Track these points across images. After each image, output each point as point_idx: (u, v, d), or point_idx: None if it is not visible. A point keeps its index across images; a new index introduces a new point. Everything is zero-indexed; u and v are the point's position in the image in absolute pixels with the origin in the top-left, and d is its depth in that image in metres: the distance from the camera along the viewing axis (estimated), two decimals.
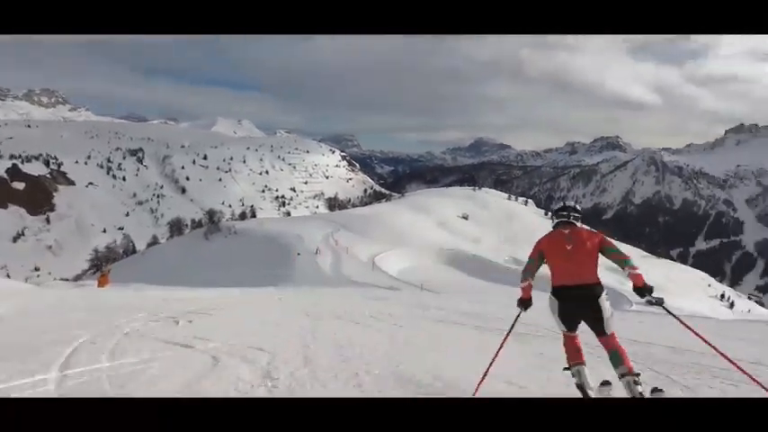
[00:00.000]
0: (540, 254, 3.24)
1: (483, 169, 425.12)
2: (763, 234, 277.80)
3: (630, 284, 3.11)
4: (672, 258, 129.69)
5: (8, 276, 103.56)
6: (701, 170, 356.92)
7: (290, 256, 36.42)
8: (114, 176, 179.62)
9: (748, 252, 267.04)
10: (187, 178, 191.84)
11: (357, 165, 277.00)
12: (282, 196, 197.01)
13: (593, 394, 2.95)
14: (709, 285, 66.59)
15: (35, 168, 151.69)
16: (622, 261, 3.13)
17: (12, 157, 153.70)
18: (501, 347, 3.34)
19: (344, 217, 70.22)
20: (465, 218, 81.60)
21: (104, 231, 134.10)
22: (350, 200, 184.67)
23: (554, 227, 3.38)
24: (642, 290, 3.01)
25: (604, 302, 3.08)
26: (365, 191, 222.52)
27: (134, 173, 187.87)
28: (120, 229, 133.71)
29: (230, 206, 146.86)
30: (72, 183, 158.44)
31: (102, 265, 54.07)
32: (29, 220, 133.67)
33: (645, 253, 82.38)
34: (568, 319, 3.13)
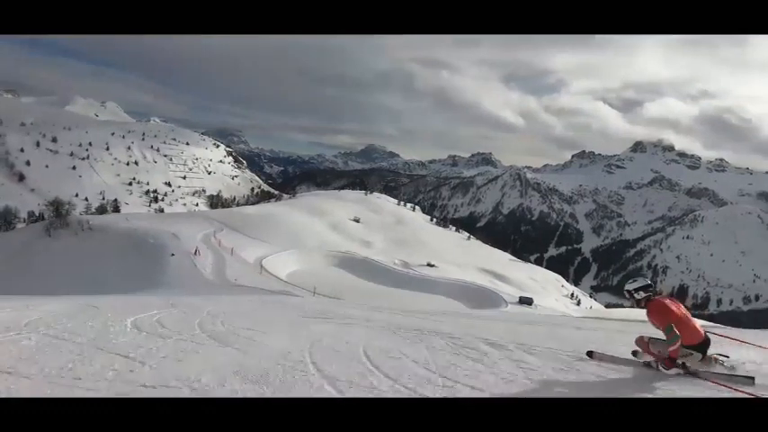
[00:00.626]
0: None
1: (373, 175, 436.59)
2: (596, 242, 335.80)
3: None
4: (531, 262, 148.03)
5: None
6: (554, 187, 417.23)
7: (162, 258, 31.40)
8: None
9: (586, 257, 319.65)
10: (27, 163, 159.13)
11: (244, 162, 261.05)
12: (155, 191, 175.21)
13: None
14: (563, 286, 76.93)
15: None
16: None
17: None
18: None
19: (229, 215, 64.68)
20: (357, 221, 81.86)
21: None
22: (235, 198, 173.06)
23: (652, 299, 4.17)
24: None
25: None
26: (252, 190, 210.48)
27: None
28: None
29: (86, 199, 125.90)
30: None
31: None
32: None
33: (512, 257, 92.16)
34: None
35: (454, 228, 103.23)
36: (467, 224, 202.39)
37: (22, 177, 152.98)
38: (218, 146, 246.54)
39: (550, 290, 68.33)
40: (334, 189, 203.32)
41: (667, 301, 4.00)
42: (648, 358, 4.11)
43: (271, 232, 57.49)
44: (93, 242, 35.93)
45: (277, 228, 60.80)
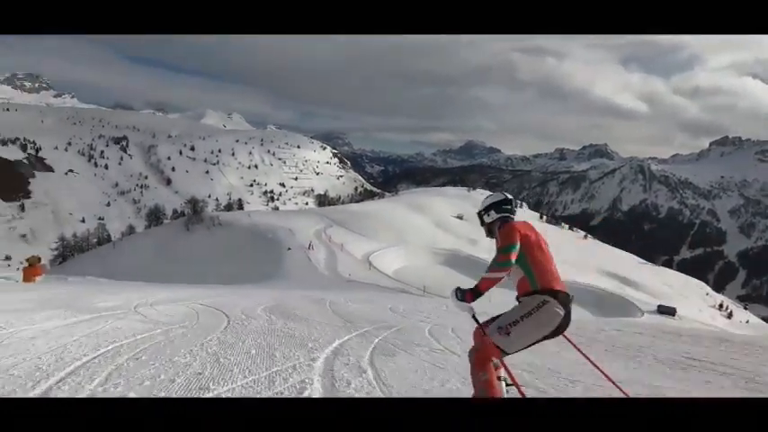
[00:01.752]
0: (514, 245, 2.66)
1: (473, 172, 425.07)
2: (744, 244, 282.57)
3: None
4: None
5: None
6: (687, 180, 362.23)
7: (279, 252, 33.25)
8: (96, 164, 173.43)
9: (730, 262, 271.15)
10: (173, 169, 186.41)
11: (348, 162, 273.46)
12: (271, 191, 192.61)
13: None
14: (707, 294, 65.37)
15: (10, 153, 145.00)
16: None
17: None
18: None
19: (337, 212, 67.21)
20: (460, 218, 79.31)
21: (83, 221, 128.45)
22: (340, 197, 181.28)
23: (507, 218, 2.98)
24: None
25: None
26: (356, 189, 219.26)
27: (117, 162, 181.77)
28: (100, 219, 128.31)
29: (217, 199, 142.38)
30: (50, 169, 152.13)
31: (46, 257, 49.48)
32: (1, 206, 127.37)
33: (641, 260, 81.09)
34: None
35: (567, 226, 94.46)
36: (579, 222, 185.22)
37: (169, 181, 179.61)
38: (324, 148, 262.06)
39: (692, 298, 58.46)
40: (435, 186, 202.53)
41: (522, 223, 2.83)
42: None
43: (376, 228, 58.17)
44: (222, 236, 39.86)
45: (381, 224, 61.39)
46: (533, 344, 2.57)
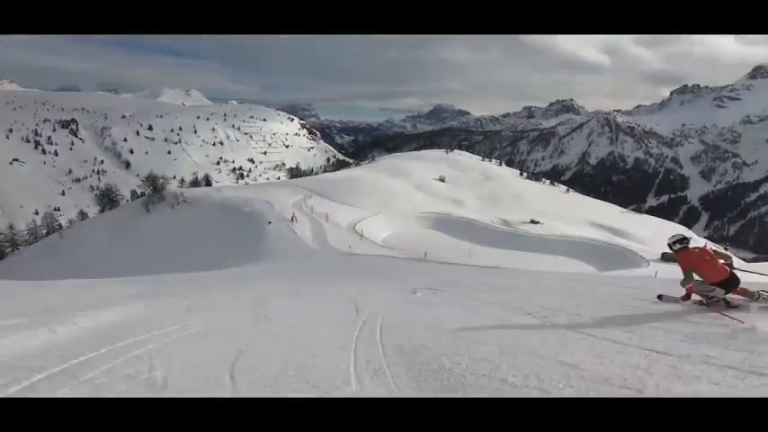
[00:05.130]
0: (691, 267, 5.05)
1: (444, 135, 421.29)
2: (705, 188, 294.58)
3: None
4: None
5: None
6: (651, 130, 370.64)
7: (259, 227, 29.57)
8: (44, 151, 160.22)
9: (693, 206, 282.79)
10: (131, 151, 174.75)
11: (318, 133, 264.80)
12: (240, 168, 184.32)
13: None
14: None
15: None
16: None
17: None
18: None
19: (314, 182, 63.17)
20: (442, 180, 76.77)
21: (36, 213, 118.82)
22: (313, 170, 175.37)
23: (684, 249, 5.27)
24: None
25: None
26: (328, 160, 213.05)
27: (68, 147, 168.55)
28: (57, 210, 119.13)
29: (182, 180, 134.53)
30: None
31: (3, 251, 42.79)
32: None
33: (623, 209, 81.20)
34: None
35: (548, 181, 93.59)
36: (551, 178, 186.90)
37: (128, 165, 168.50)
38: (291, 119, 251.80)
39: None
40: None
41: (690, 252, 5.14)
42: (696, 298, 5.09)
43: (357, 196, 54.82)
44: (190, 214, 35.52)
45: (362, 191, 58.05)
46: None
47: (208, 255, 23.05)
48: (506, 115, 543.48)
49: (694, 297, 5.04)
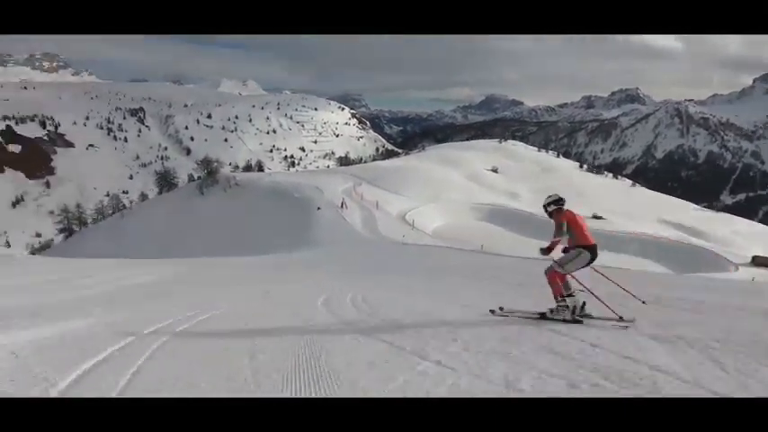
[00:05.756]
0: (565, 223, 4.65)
1: (496, 126, 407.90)
2: None
3: None
4: None
5: (8, 244, 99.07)
6: (728, 121, 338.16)
7: (308, 213, 29.00)
8: (115, 138, 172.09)
9: None
10: (191, 138, 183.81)
11: (368, 123, 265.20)
12: (291, 156, 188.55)
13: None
14: None
15: (30, 130, 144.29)
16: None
17: (5, 118, 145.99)
18: None
19: (365, 170, 62.44)
20: (495, 171, 73.47)
21: (107, 195, 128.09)
22: (362, 159, 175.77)
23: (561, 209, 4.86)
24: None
25: None
26: (377, 149, 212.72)
27: (136, 134, 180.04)
28: (125, 192, 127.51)
29: (237, 166, 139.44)
30: (71, 145, 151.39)
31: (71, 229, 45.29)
32: (28, 184, 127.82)
33: (697, 206, 73.87)
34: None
35: (611, 174, 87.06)
36: (612, 172, 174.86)
37: (188, 151, 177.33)
38: (342, 109, 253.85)
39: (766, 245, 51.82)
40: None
41: (569, 210, 4.80)
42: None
43: (407, 185, 53.38)
44: (241, 197, 35.75)
45: (412, 181, 56.48)
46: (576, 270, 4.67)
47: (257, 238, 22.72)
48: (563, 105, 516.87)
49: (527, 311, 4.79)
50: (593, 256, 4.54)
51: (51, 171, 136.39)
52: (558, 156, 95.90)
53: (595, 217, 50.34)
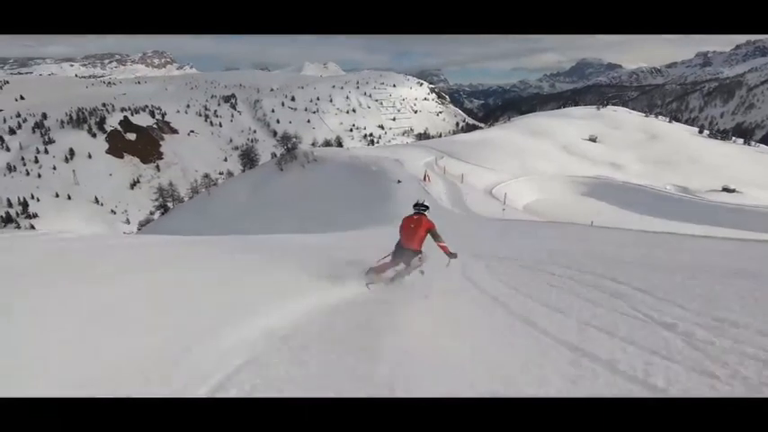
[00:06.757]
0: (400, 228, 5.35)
1: (589, 93, 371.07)
2: None
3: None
4: None
5: (128, 221, 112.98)
6: None
7: (388, 186, 27.22)
8: (211, 123, 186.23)
9: None
10: (278, 121, 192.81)
11: (447, 97, 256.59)
12: (371, 134, 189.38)
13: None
14: None
15: (143, 119, 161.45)
16: (437, 238, 5.15)
17: (122, 109, 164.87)
18: None
19: (445, 144, 59.11)
20: (593, 140, 65.53)
21: (206, 177, 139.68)
22: (441, 134, 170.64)
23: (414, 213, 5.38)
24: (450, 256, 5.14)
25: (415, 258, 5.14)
26: (457, 124, 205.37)
27: (229, 119, 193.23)
28: (221, 173, 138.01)
29: (315, 144, 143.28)
30: (176, 132, 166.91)
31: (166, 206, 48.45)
32: (142, 168, 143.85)
33: None
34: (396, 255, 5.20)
35: (740, 140, 73.18)
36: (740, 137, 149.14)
37: (275, 133, 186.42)
38: (421, 84, 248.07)
39: None
40: None
41: (409, 217, 5.30)
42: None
43: (492, 158, 49.22)
44: (319, 173, 35.12)
45: (499, 153, 52.05)
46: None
47: (335, 214, 21.56)
48: (672, 65, 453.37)
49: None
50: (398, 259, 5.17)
51: (160, 156, 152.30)
52: (669, 121, 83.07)
53: (726, 189, 42.21)
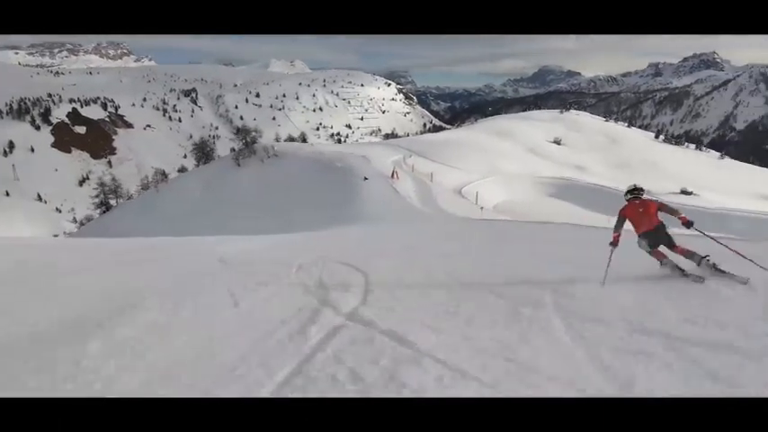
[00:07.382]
0: (623, 218, 5.13)
1: (550, 98, 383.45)
2: None
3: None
4: None
5: (75, 220, 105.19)
6: None
7: (353, 183, 25.63)
8: (170, 118, 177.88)
9: None
10: (241, 118, 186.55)
11: (414, 98, 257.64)
12: (338, 133, 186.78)
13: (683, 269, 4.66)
14: None
15: (93, 112, 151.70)
16: (675, 212, 4.94)
17: (71, 101, 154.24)
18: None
19: (413, 142, 58.15)
20: (557, 143, 66.50)
21: (159, 172, 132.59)
22: (409, 135, 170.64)
23: (628, 200, 5.19)
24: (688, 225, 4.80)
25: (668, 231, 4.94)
26: (424, 125, 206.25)
27: (189, 114, 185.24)
28: (181, 171, 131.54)
29: (278, 139, 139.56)
30: (130, 126, 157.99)
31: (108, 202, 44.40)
32: (92, 163, 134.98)
33: None
34: (652, 243, 4.93)
35: (693, 146, 76.65)
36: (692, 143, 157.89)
37: (238, 130, 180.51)
38: (389, 84, 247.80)
39: None
40: None
41: (630, 203, 5.12)
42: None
43: (460, 158, 48.61)
44: (280, 168, 32.91)
45: (466, 153, 51.55)
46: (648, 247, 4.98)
47: (294, 213, 19.80)
48: (627, 74, 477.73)
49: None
50: (651, 244, 4.94)
51: (113, 151, 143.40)
52: (628, 126, 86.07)
53: (684, 192, 43.37)
